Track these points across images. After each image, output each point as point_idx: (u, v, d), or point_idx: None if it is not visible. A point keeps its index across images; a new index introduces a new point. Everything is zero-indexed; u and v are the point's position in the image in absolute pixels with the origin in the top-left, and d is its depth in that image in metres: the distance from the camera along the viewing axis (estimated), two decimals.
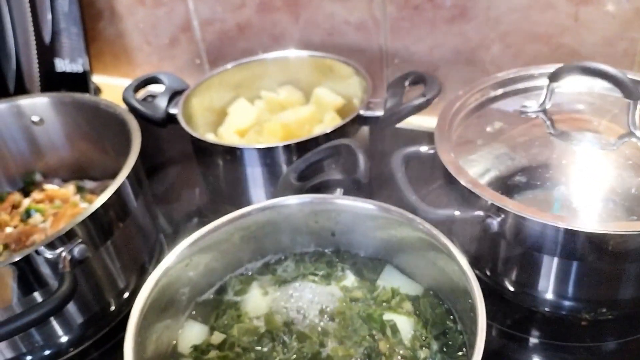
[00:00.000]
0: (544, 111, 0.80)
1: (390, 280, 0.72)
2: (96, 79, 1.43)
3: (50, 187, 0.98)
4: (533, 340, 0.76)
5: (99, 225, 0.74)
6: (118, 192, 0.75)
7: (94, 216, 0.72)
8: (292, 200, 0.72)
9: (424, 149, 0.79)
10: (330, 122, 1.04)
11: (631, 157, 0.71)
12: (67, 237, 0.69)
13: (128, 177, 0.77)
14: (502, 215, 0.67)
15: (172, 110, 0.99)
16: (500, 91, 0.87)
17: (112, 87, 1.41)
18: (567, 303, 0.72)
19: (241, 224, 0.72)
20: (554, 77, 0.78)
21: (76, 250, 0.69)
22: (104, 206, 0.73)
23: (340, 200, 0.71)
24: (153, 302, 0.63)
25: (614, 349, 0.73)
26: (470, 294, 0.58)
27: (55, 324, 0.77)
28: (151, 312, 0.62)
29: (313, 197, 0.72)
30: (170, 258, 0.66)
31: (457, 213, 0.70)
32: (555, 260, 0.67)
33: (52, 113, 0.96)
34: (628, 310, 0.73)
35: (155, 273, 0.64)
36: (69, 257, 0.68)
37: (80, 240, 0.70)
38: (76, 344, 0.80)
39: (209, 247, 0.70)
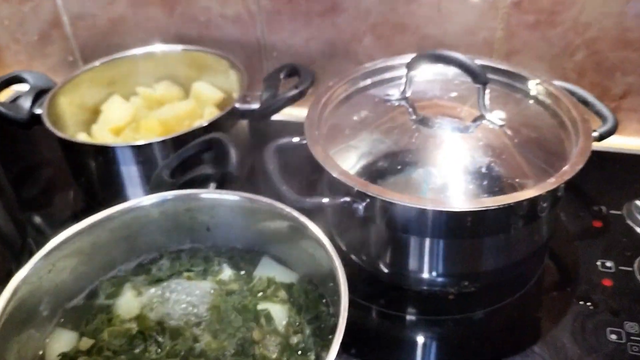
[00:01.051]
0: (406, 99, 0.84)
1: (266, 270, 0.73)
2: None
3: None
4: (407, 317, 0.80)
5: None
6: None
7: None
8: (158, 198, 0.70)
9: (295, 139, 0.80)
10: (210, 117, 1.03)
11: (483, 139, 0.76)
12: None
13: None
14: (367, 200, 0.70)
15: (37, 111, 0.94)
16: (368, 81, 0.90)
17: None
18: (434, 279, 0.76)
19: (109, 226, 0.70)
20: (410, 66, 0.81)
21: None
22: None
23: (207, 195, 0.71)
24: (11, 314, 0.59)
25: (478, 318, 0.78)
26: (335, 276, 0.60)
27: None
28: (10, 324, 0.59)
29: (180, 193, 0.71)
30: (28, 266, 0.63)
31: (325, 200, 0.71)
32: (417, 239, 0.71)
33: None
34: (488, 282, 0.79)
35: (11, 285, 0.60)
36: None
37: None
38: None
39: (74, 251, 0.68)
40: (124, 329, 0.66)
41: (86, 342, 0.65)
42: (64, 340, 0.66)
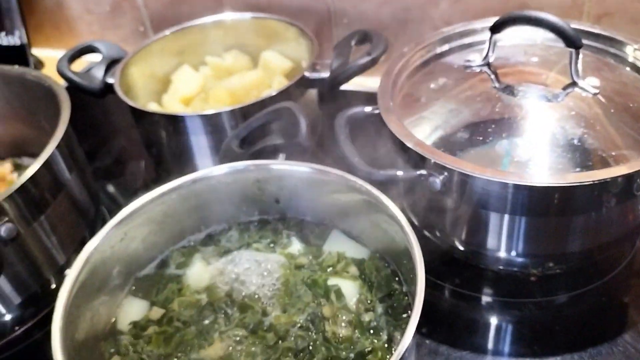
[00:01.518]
0: (488, 65, 0.78)
1: (336, 245, 0.70)
2: (38, 52, 1.37)
3: None
4: (484, 298, 0.76)
5: (29, 201, 0.71)
6: (47, 166, 0.71)
7: (21, 191, 0.68)
8: (228, 168, 0.69)
9: (368, 109, 0.77)
10: (278, 87, 1.00)
11: (574, 108, 0.70)
12: None
13: (59, 149, 0.73)
14: (445, 173, 0.66)
15: (110, 80, 0.95)
16: (446, 47, 0.85)
17: (55, 60, 1.34)
18: (515, 259, 0.71)
19: (179, 195, 0.69)
20: (495, 29, 0.75)
21: (3, 230, 0.66)
22: (31, 180, 0.69)
23: (277, 166, 0.69)
24: (84, 282, 0.60)
25: (562, 302, 0.73)
26: (411, 253, 0.57)
27: None
28: (82, 292, 0.60)
29: (249, 163, 0.69)
30: (100, 235, 0.63)
31: (399, 173, 0.68)
32: (500, 216, 0.66)
33: None
34: (575, 264, 0.73)
35: (83, 253, 0.61)
36: None
37: (6, 219, 0.66)
38: (20, 323, 0.77)
39: (145, 220, 0.67)
40: (194, 299, 0.65)
41: (157, 312, 0.65)
42: (135, 308, 0.66)
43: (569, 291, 0.74)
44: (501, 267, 0.74)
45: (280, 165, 0.69)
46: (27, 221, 0.71)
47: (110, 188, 1.00)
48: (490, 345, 0.70)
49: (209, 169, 0.69)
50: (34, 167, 0.70)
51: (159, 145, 0.94)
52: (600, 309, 0.72)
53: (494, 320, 0.73)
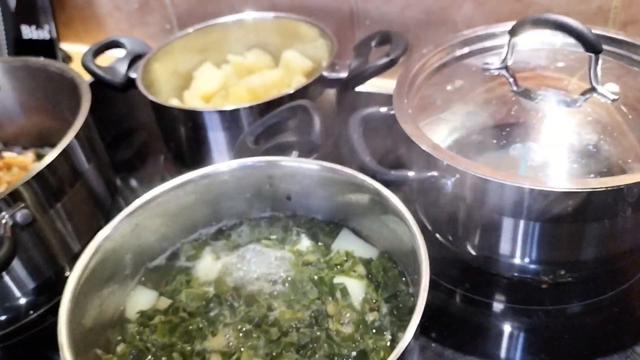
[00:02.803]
0: (506, 68, 0.77)
1: (345, 243, 0.70)
2: (67, 46, 1.40)
3: (9, 155, 0.96)
4: (494, 304, 0.75)
5: (46, 188, 0.72)
6: (65, 155, 0.73)
7: (38, 178, 0.70)
8: (237, 164, 0.69)
9: (383, 109, 0.76)
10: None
11: (592, 114, 0.69)
12: (12, 200, 0.68)
13: (77, 139, 0.75)
14: (457, 176, 0.65)
15: (133, 75, 0.97)
16: (466, 49, 0.84)
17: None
18: (527, 266, 0.70)
19: (191, 189, 0.70)
20: (513, 31, 0.74)
21: (18, 215, 0.67)
22: (49, 168, 0.71)
23: (287, 163, 0.69)
24: (94, 270, 0.61)
25: (573, 311, 0.72)
26: (417, 254, 0.56)
27: (12, 286, 0.76)
28: (92, 279, 0.61)
29: (259, 159, 0.70)
30: (112, 224, 0.64)
31: (410, 174, 0.67)
32: (510, 221, 0.65)
33: (5, 79, 0.93)
34: (587, 273, 0.71)
35: (95, 240, 0.62)
36: (10, 222, 0.66)
37: (22, 205, 0.68)
38: (35, 308, 0.79)
39: (157, 212, 0.68)
40: (202, 291, 0.66)
41: (164, 302, 0.65)
42: (144, 298, 0.67)
43: (581, 300, 0.72)
44: (512, 274, 0.73)
45: (289, 162, 0.69)
46: (44, 208, 0.73)
47: (130, 180, 1.02)
48: (497, 351, 0.69)
49: (218, 165, 0.69)
50: (51, 155, 0.72)
51: (178, 140, 0.95)
52: (612, 319, 0.71)
53: (502, 327, 0.72)
